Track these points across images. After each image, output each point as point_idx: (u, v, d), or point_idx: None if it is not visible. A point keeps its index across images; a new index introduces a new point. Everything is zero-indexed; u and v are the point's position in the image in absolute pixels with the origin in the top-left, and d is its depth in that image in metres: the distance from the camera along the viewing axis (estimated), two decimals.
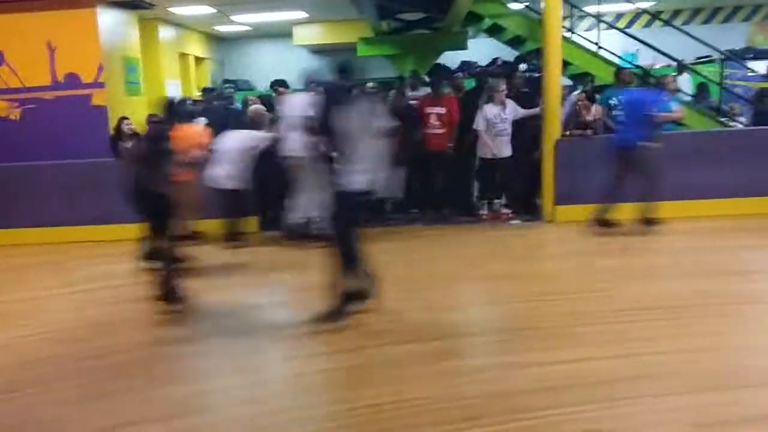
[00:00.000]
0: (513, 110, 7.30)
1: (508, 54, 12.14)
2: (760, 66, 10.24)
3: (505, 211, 7.55)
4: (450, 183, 7.63)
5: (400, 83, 8.85)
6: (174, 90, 12.66)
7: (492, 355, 4.10)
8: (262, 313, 5.11)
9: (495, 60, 13.82)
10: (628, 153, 6.49)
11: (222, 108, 8.83)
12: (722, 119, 9.03)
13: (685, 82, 10.47)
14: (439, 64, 12.04)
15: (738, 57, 10.89)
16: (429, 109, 7.57)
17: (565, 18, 8.15)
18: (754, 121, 8.19)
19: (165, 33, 12.76)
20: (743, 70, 10.53)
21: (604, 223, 6.71)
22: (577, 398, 3.44)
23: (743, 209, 7.02)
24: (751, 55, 11.32)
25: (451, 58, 13.63)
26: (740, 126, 8.82)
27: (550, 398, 3.45)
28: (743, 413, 3.23)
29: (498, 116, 7.23)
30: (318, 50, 17.68)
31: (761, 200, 7.04)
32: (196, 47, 15.09)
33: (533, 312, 4.76)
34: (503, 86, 7.38)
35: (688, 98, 9.92)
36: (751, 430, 3.11)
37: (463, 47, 12.36)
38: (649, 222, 6.63)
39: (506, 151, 7.30)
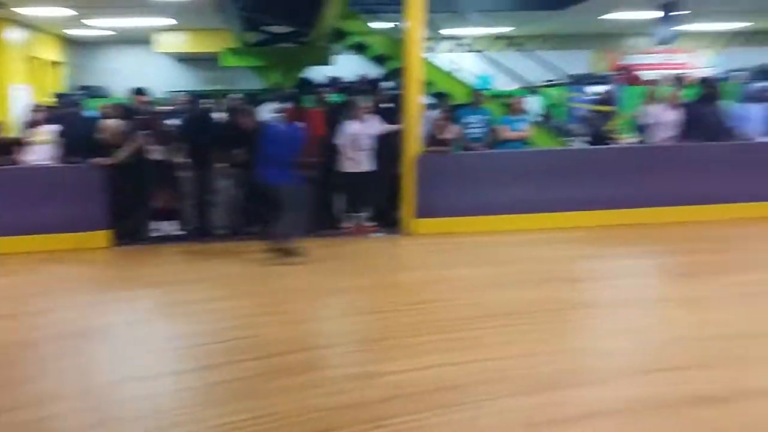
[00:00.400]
0: (375, 126, 7.51)
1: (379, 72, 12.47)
2: (598, 90, 11.23)
3: (367, 224, 7.72)
4: (313, 196, 7.69)
5: (244, 102, 8.68)
6: (22, 95, 11.85)
7: (347, 367, 4.20)
8: (104, 331, 4.91)
9: (363, 77, 14.16)
10: (271, 187, 6.42)
11: (74, 115, 8.39)
12: (566, 138, 9.78)
13: (536, 103, 11.24)
14: (304, 78, 12.13)
15: (580, 81, 11.85)
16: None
17: (427, 39, 8.50)
18: (593, 141, 8.94)
19: (11, 35, 11.92)
20: (586, 94, 11.49)
21: (285, 252, 6.54)
22: (426, 404, 3.60)
23: (578, 222, 7.58)
24: (592, 81, 12.36)
25: (320, 73, 13.78)
26: (581, 145, 9.60)
27: (402, 406, 3.59)
28: (571, 412, 3.51)
29: (359, 132, 7.40)
30: (182, 58, 17.23)
31: (594, 213, 7.65)
32: (49, 51, 14.23)
33: (388, 322, 4.91)
34: (365, 102, 7.58)
35: (539, 118, 10.66)
36: (574, 428, 3.39)
37: (327, 62, 12.54)
38: (285, 252, 6.52)
39: (368, 166, 7.49)
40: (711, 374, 3.93)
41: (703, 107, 8.35)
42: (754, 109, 8.55)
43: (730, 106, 8.73)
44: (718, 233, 7.26)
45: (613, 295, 5.58)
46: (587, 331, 4.91)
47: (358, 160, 7.45)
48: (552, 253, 6.75)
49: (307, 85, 11.01)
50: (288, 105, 8.06)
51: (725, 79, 12.45)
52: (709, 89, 8.70)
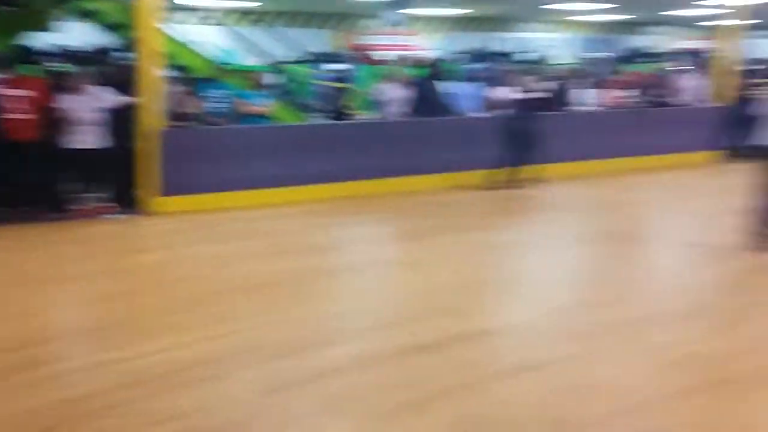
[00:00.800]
0: (107, 98, 7.02)
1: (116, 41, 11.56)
2: (336, 68, 11.76)
3: (102, 204, 7.22)
4: (37, 175, 6.96)
5: None
6: None
7: (79, 357, 3.94)
8: None
9: (98, 46, 13.09)
10: None
11: None
12: (307, 114, 10.08)
13: (279, 79, 11.37)
14: (21, 45, 10.84)
15: (321, 59, 12.26)
16: (9, 92, 6.82)
17: (169, 10, 8.10)
18: (333, 117, 9.35)
19: None
20: (326, 72, 11.93)
21: None
22: (165, 386, 3.51)
23: (319, 194, 7.82)
24: (332, 59, 12.85)
25: (44, 41, 12.40)
26: (322, 121, 9.99)
27: (138, 390, 3.47)
28: (307, 374, 3.66)
29: (83, 104, 6.87)
30: None
31: (334, 186, 7.97)
32: None
33: (126, 307, 4.71)
34: (89, 73, 7.06)
35: (281, 94, 10.80)
36: (306, 388, 3.53)
37: (48, 29, 11.33)
38: None
39: (96, 141, 6.97)
40: (432, 324, 4.38)
41: (429, 86, 9.19)
42: (468, 88, 9.64)
43: (448, 85, 9.70)
44: (439, 200, 8.08)
45: (352, 261, 5.97)
46: (328, 295, 5.15)
47: (87, 136, 6.92)
48: (295, 225, 6.97)
49: (25, 53, 9.88)
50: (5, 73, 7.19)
51: (448, 60, 13.70)
52: (434, 69, 9.60)
